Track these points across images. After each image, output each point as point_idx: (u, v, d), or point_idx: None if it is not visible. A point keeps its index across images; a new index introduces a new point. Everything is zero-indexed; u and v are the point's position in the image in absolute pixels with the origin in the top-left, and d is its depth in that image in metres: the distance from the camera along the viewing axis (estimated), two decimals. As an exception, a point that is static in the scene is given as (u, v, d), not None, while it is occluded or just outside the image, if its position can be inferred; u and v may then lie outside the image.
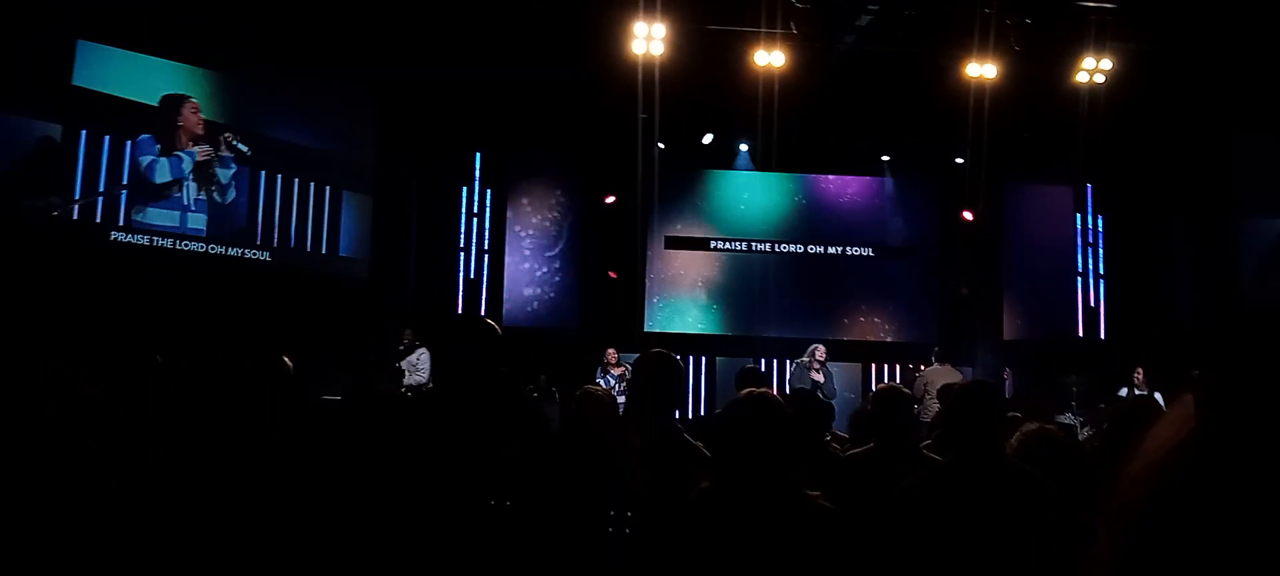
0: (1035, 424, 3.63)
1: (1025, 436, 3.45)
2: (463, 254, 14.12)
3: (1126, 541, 0.75)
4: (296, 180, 11.98)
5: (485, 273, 14.19)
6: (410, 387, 10.68)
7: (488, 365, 3.15)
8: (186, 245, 11.03)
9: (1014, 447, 3.34)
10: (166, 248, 10.87)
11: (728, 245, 14.67)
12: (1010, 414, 4.73)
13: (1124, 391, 11.22)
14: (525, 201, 14.33)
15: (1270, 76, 11.41)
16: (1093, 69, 12.05)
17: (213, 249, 11.21)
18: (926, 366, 12.00)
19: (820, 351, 11.32)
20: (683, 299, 14.57)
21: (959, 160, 13.27)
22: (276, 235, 11.79)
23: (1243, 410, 0.71)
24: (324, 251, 12.16)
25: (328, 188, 12.25)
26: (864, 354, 14.20)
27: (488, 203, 14.25)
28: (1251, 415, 0.70)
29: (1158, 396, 10.11)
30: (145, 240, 10.76)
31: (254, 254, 11.58)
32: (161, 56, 10.88)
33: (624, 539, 2.97)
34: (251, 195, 11.59)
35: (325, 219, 12.21)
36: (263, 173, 11.69)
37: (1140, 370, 11.15)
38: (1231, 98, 12.19)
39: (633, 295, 14.02)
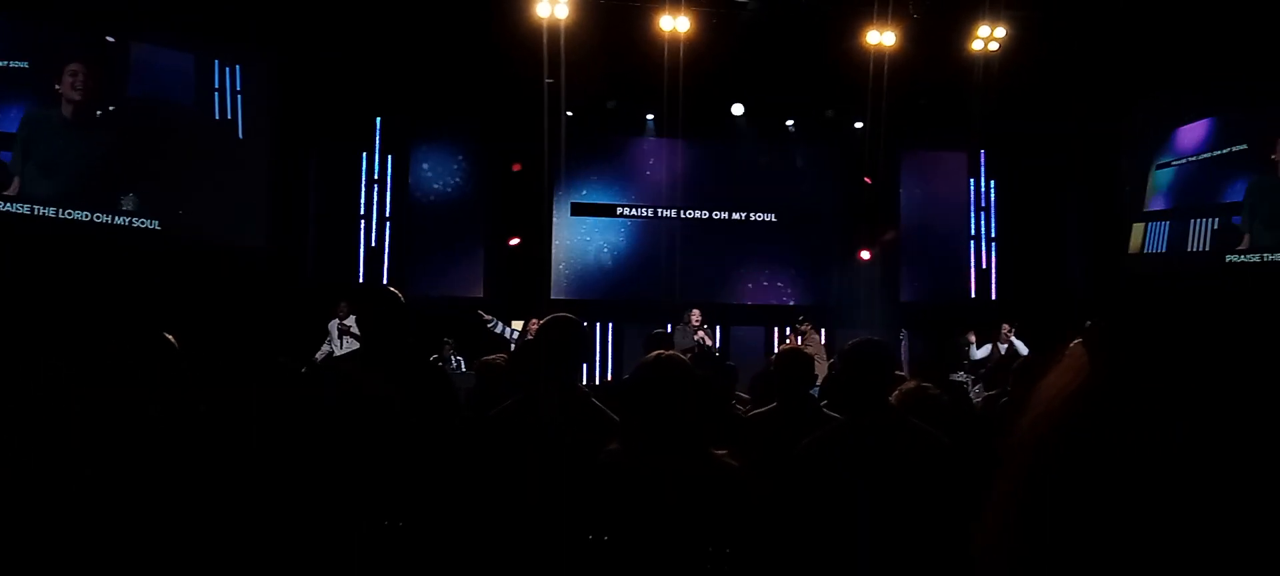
0: (912, 382, 3.76)
1: (903, 394, 3.59)
2: (363, 222, 13.79)
3: (1026, 487, 0.79)
4: (190, 146, 11.52)
5: (387, 241, 13.90)
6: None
7: (394, 335, 3.11)
8: (70, 213, 10.54)
9: (894, 404, 3.46)
10: (49, 216, 10.38)
11: (634, 212, 14.71)
12: (897, 372, 4.89)
13: (986, 348, 11.78)
14: (427, 167, 14.08)
15: (1159, 44, 11.96)
16: (987, 37, 12.44)
17: (99, 218, 10.73)
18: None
19: (696, 315, 11.60)
20: (589, 265, 14.57)
21: (858, 125, 13.58)
22: (167, 204, 11.33)
23: (1135, 354, 0.75)
24: (218, 221, 11.73)
25: (222, 155, 11.82)
26: (767, 317, 14.45)
27: (389, 169, 13.92)
28: (1143, 359, 0.75)
29: (1023, 349, 10.64)
30: (26, 209, 10.25)
31: (143, 223, 11.10)
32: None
33: (536, 505, 2.99)
34: (136, 162, 11.11)
35: (220, 187, 11.78)
36: (150, 137, 11.20)
37: (1006, 325, 11.65)
38: (1118, 68, 12.74)
39: (538, 262, 13.97)
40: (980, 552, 0.81)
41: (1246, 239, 12.82)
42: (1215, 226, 13.07)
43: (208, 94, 11.85)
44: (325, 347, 10.69)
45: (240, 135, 12.01)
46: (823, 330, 13.90)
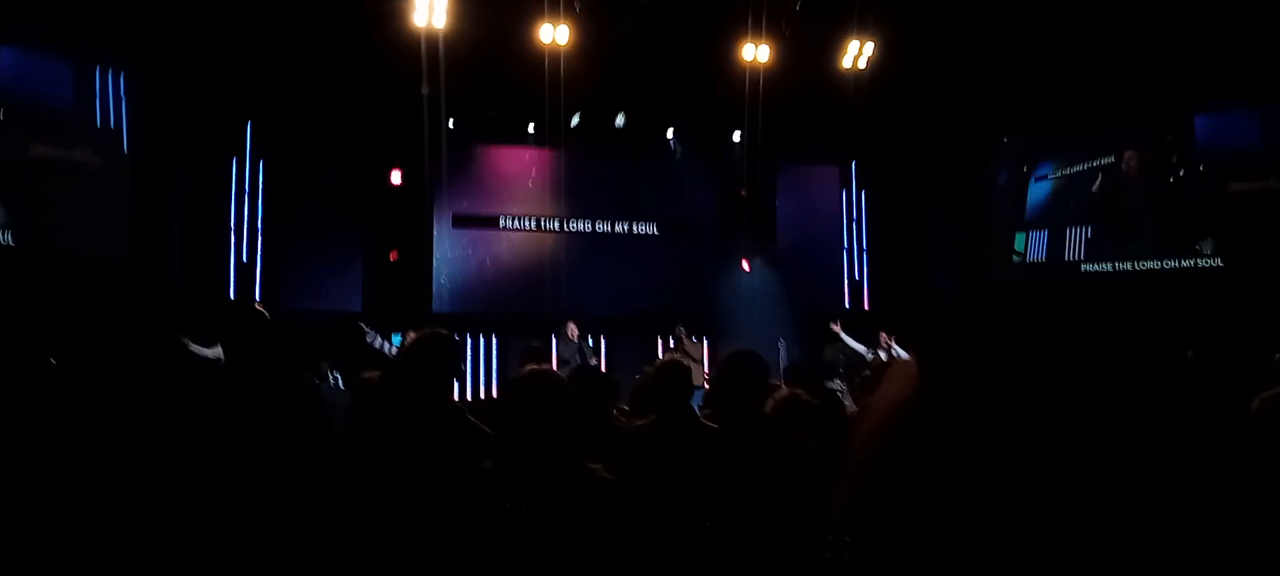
0: (785, 390, 3.87)
1: (777, 402, 3.69)
2: (233, 234, 13.21)
3: (858, 486, 0.83)
4: (44, 154, 10.89)
5: (259, 254, 13.36)
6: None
7: (262, 353, 3.02)
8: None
9: (769, 412, 3.56)
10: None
11: (516, 223, 14.62)
12: (771, 381, 5.01)
13: (858, 345, 12.25)
14: (302, 178, 13.62)
15: (1015, 59, 12.66)
16: (856, 53, 12.89)
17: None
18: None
19: (572, 327, 11.80)
20: (471, 278, 14.40)
21: (736, 137, 13.87)
22: (23, 216, 10.67)
23: (958, 366, 0.80)
24: (76, 233, 11.09)
25: (78, 161, 11.20)
26: (650, 328, 14.55)
27: (261, 176, 13.38)
28: (966, 371, 0.79)
29: (906, 356, 11.02)
30: None
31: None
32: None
33: (409, 523, 2.94)
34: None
35: (76, 195, 11.15)
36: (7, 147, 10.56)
37: (883, 334, 12.09)
38: (978, 83, 13.41)
39: (419, 275, 13.72)
40: (823, 558, 0.85)
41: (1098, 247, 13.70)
42: (1088, 235, 13.90)
43: (89, 101, 11.29)
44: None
45: (125, 147, 11.46)
46: (705, 339, 14.11)
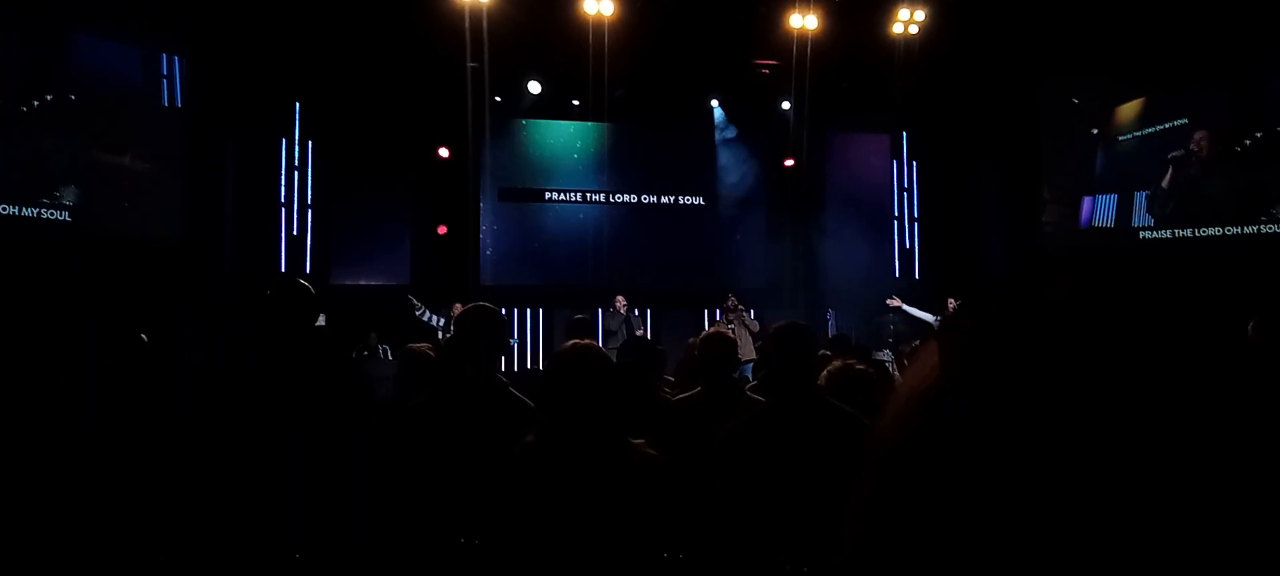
0: (839, 361, 3.79)
1: (831, 374, 3.61)
2: (284, 210, 13.42)
3: (873, 481, 0.78)
4: (101, 135, 11.13)
5: (310, 229, 13.56)
6: None
7: (302, 328, 3.03)
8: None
9: (822, 384, 3.48)
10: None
11: (562, 196, 14.63)
12: (822, 352, 4.94)
13: (925, 314, 12.00)
14: (350, 153, 13.76)
15: (1074, 24, 12.26)
16: (907, 20, 12.62)
17: (5, 209, 10.32)
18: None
19: (621, 300, 11.76)
20: (518, 251, 14.45)
21: (785, 105, 13.67)
22: (78, 194, 10.93)
23: (977, 356, 0.74)
24: (136, 212, 11.35)
25: (134, 142, 11.44)
26: (697, 300, 14.51)
27: (309, 155, 13.57)
28: (984, 362, 0.74)
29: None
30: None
31: (53, 214, 10.69)
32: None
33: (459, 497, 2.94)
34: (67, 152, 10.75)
35: (132, 176, 11.40)
36: (65, 126, 10.81)
37: (952, 301, 11.85)
38: (1038, 45, 13.03)
39: (466, 249, 13.80)
40: (841, 555, 0.80)
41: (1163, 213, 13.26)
42: (1155, 200, 13.48)
43: (156, 81, 11.61)
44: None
45: (182, 129, 11.78)
46: (750, 310, 14.02)
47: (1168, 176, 13.32)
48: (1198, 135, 13.08)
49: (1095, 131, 14.03)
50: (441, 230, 13.74)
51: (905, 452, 0.75)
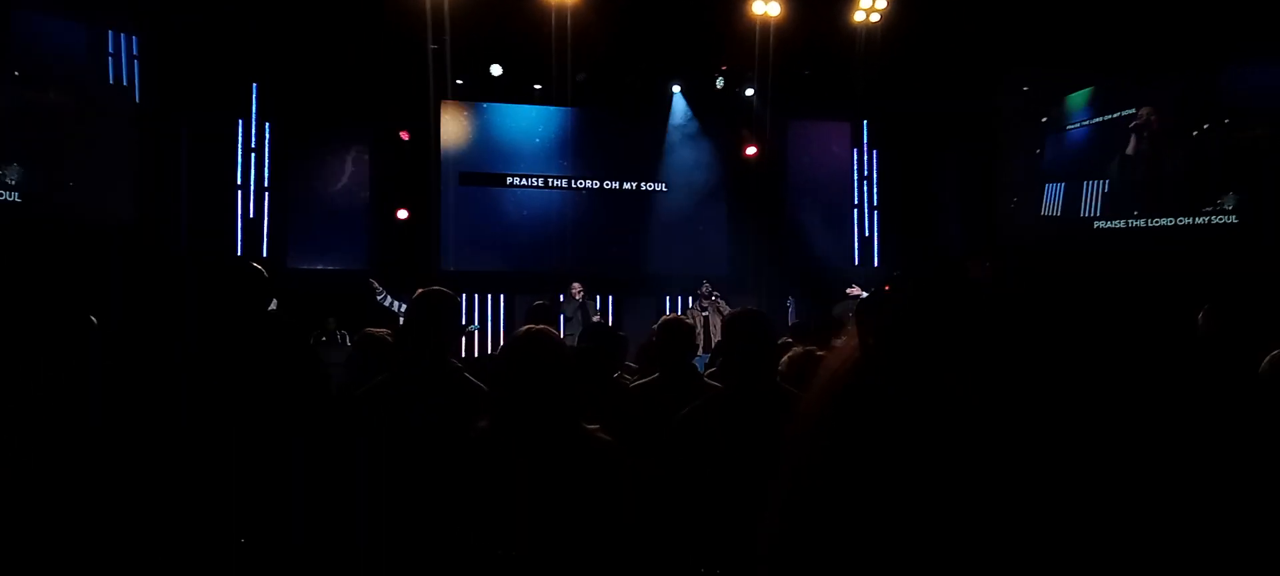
0: (800, 348, 3.82)
1: (792, 360, 3.63)
2: (240, 192, 13.21)
3: (790, 459, 0.78)
4: (58, 115, 10.90)
5: (267, 211, 13.37)
6: None
7: (255, 312, 2.99)
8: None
9: (783, 371, 3.50)
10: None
11: (524, 181, 14.56)
12: (782, 339, 4.96)
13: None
14: (308, 136, 13.58)
15: (1033, 9, 12.39)
16: (869, 8, 12.69)
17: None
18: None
19: (577, 287, 11.81)
20: (479, 236, 14.36)
21: (749, 93, 13.70)
22: (36, 176, 10.69)
23: (892, 336, 0.75)
24: (85, 194, 11.12)
25: (91, 122, 11.21)
26: (659, 286, 14.52)
27: (267, 137, 13.36)
28: (899, 341, 0.74)
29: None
30: None
31: (2, 196, 10.45)
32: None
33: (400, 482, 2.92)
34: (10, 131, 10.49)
35: (88, 156, 11.17)
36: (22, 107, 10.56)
37: (854, 288, 11.91)
38: (997, 35, 13.16)
39: (427, 234, 13.69)
40: (760, 538, 0.81)
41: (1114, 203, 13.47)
42: (1105, 190, 13.68)
43: (107, 59, 11.35)
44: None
45: (134, 109, 11.51)
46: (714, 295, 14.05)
47: (1116, 165, 13.55)
48: (1146, 125, 13.30)
49: (1044, 120, 14.23)
50: (402, 214, 13.60)
51: (819, 433, 0.75)
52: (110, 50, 11.52)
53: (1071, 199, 13.89)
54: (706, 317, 11.70)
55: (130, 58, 11.65)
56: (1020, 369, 0.72)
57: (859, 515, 0.72)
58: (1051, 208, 14.06)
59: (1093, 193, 13.74)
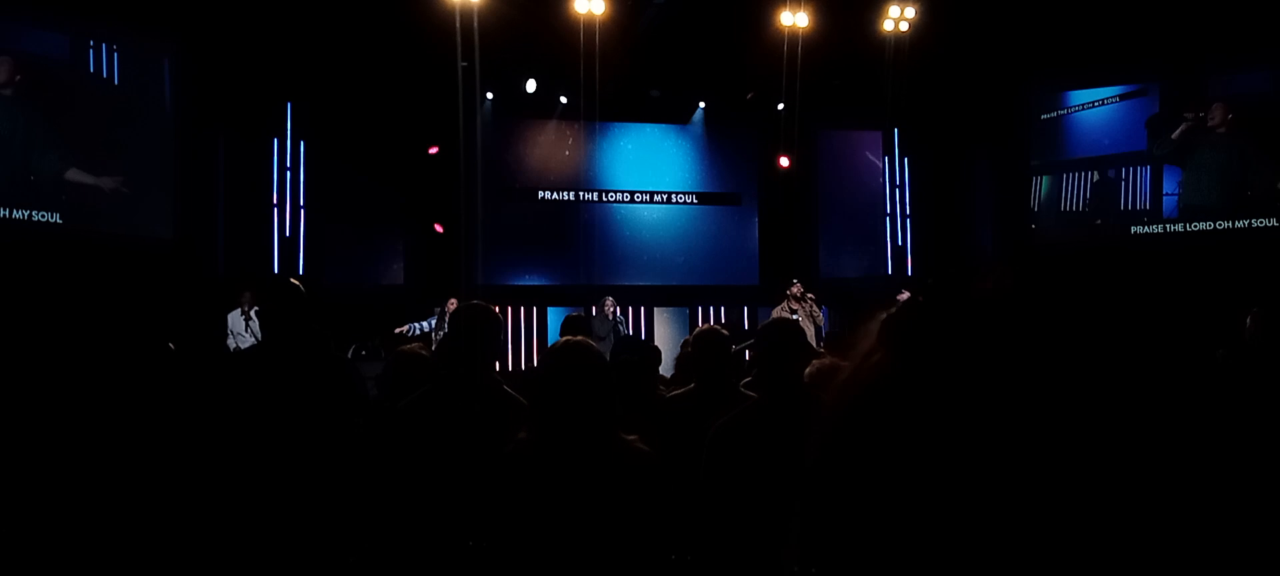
0: (827, 358, 3.81)
1: (817, 370, 3.63)
2: (276, 210, 13.38)
3: (814, 460, 0.80)
4: (91, 135, 11.12)
5: (303, 229, 13.52)
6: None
7: (292, 326, 3.03)
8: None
9: (808, 381, 3.50)
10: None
11: (555, 195, 14.63)
12: (818, 349, 4.96)
13: None
14: (342, 153, 13.73)
15: (1060, 13, 12.31)
16: (898, 16, 12.65)
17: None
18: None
19: (610, 301, 11.75)
20: (511, 250, 14.45)
21: (780, 106, 13.69)
22: (69, 196, 10.91)
23: (905, 349, 0.76)
24: (124, 212, 11.34)
25: (130, 142, 11.43)
26: (690, 298, 14.53)
27: (302, 155, 13.53)
28: (912, 353, 0.75)
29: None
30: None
31: (43, 216, 10.68)
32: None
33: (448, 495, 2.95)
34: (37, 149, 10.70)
35: (126, 177, 11.39)
36: (54, 127, 10.79)
37: (904, 293, 11.79)
38: (1025, 40, 13.08)
39: (459, 248, 13.79)
40: (788, 540, 0.82)
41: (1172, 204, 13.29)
42: (1138, 192, 13.52)
43: (145, 81, 11.65)
44: (230, 341, 10.36)
45: (172, 130, 11.76)
46: (744, 308, 14.01)
47: (1150, 169, 13.40)
48: (1180, 127, 13.16)
49: (1066, 121, 14.12)
50: (438, 228, 13.75)
51: (841, 439, 0.77)
52: (141, 70, 11.73)
53: (1103, 202, 13.76)
54: (797, 320, 11.24)
55: (162, 78, 11.86)
56: (1034, 374, 0.73)
57: (875, 516, 0.74)
58: (1081, 211, 13.94)
59: (1126, 196, 13.60)
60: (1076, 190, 13.76)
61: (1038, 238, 14.22)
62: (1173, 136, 13.23)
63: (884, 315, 0.81)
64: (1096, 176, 13.73)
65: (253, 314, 10.21)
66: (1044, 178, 14.16)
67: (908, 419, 0.74)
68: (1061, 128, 14.16)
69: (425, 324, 11.27)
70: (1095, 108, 13.69)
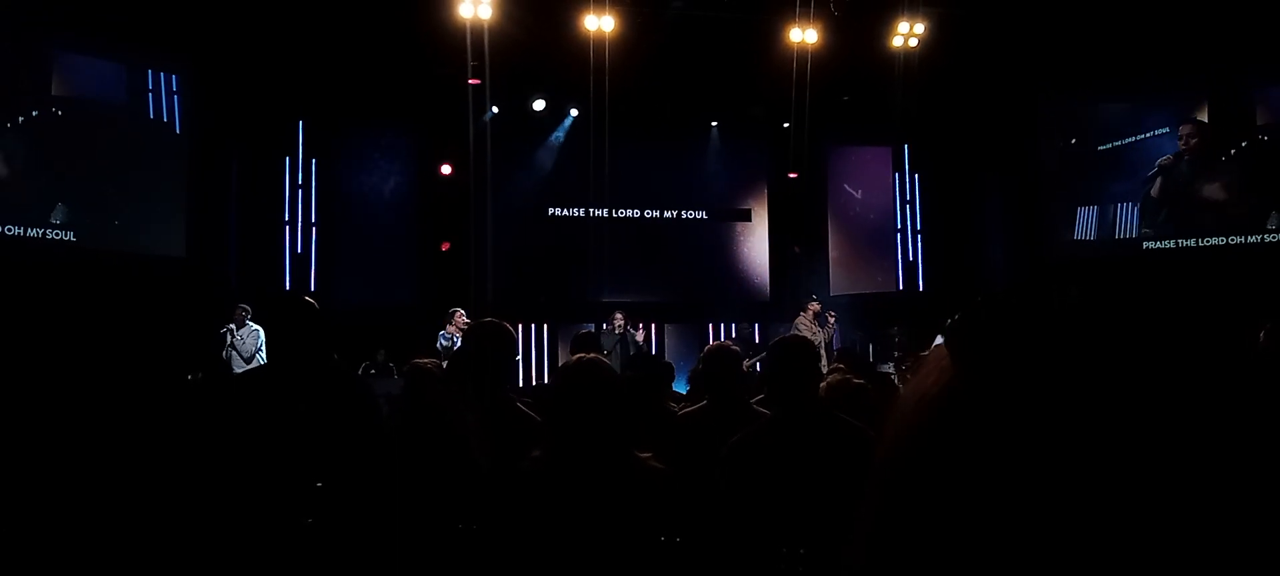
0: (837, 374, 3.81)
1: (829, 386, 3.63)
2: (288, 228, 13.45)
3: (880, 483, 0.79)
4: (104, 153, 11.19)
5: (314, 247, 13.59)
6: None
7: (306, 343, 3.04)
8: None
9: (822, 395, 3.50)
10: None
11: (564, 211, 14.65)
12: (834, 365, 4.95)
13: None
14: (353, 172, 13.81)
15: (1069, 31, 12.31)
16: (907, 33, 12.64)
17: (9, 230, 10.38)
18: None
19: (619, 316, 11.69)
20: (522, 266, 14.46)
21: (785, 125, 13.70)
22: (82, 214, 10.98)
23: (984, 360, 0.75)
24: (135, 230, 11.40)
25: (139, 161, 11.50)
26: (700, 314, 14.52)
27: (313, 174, 13.61)
28: (992, 365, 0.75)
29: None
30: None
31: (57, 235, 10.75)
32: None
33: (464, 514, 2.94)
34: (53, 170, 10.78)
35: (136, 195, 11.46)
36: (64, 146, 10.86)
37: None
38: (1035, 57, 13.08)
39: (469, 266, 13.80)
40: (845, 558, 0.81)
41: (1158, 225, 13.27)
42: (1149, 211, 13.47)
43: (142, 95, 11.63)
44: (223, 353, 10.35)
45: (182, 148, 11.85)
46: (756, 325, 13.96)
47: (1157, 186, 13.36)
48: (1187, 144, 13.13)
49: (1074, 141, 14.08)
50: (444, 247, 13.77)
51: (916, 454, 0.76)
52: (150, 88, 11.81)
53: (1111, 219, 13.71)
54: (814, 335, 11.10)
55: (171, 95, 11.95)
56: (1103, 392, 0.72)
57: (957, 535, 0.73)
58: (1086, 230, 13.89)
59: (1132, 214, 13.56)
60: (1128, 218, 13.67)
61: (1048, 254, 14.15)
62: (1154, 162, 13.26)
63: (951, 327, 0.80)
64: (1100, 208, 13.72)
65: (236, 331, 10.24)
66: (1094, 208, 14.01)
67: (989, 434, 0.73)
68: (1078, 165, 14.09)
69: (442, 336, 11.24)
70: (1148, 139, 13.59)
